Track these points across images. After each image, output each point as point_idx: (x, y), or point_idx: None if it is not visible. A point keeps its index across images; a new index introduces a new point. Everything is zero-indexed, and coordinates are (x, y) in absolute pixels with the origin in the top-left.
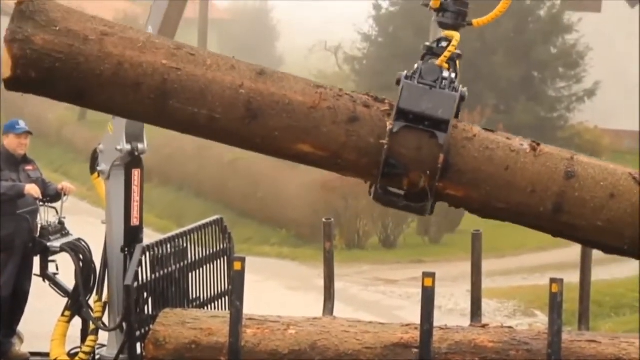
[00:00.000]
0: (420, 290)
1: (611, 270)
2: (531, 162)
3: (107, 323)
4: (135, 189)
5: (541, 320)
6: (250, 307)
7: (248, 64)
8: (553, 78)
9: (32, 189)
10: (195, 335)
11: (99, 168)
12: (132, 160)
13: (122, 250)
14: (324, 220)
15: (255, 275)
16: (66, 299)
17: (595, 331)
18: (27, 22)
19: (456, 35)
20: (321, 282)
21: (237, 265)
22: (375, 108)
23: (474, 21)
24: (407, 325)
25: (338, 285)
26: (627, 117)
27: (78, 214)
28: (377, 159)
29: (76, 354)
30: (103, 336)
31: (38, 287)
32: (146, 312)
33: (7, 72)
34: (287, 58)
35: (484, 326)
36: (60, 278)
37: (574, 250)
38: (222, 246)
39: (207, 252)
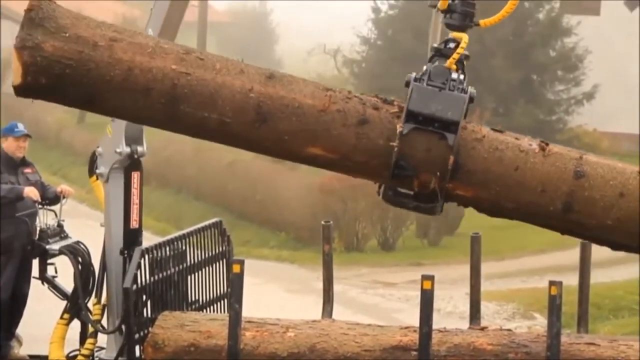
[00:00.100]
0: (419, 293)
1: (610, 273)
2: (540, 162)
3: (105, 326)
4: (135, 191)
5: (540, 322)
6: (249, 309)
7: (257, 67)
8: (552, 81)
9: (31, 192)
10: (194, 338)
11: (97, 171)
12: (132, 163)
13: (122, 252)
14: (322, 223)
15: (254, 277)
16: (65, 302)
17: (594, 334)
18: (36, 29)
19: (464, 37)
20: (320, 285)
21: (236, 268)
22: (384, 110)
23: (481, 21)
24: (406, 327)
25: (337, 287)
26: (626, 120)
27: (77, 217)
28: (387, 160)
29: (75, 356)
30: (102, 339)
31: (37, 290)
32: (145, 314)
33: (17, 79)
34: (286, 61)
35: (482, 329)
36: (59, 281)
37: (573, 253)
38: (221, 249)
39: (206, 255)
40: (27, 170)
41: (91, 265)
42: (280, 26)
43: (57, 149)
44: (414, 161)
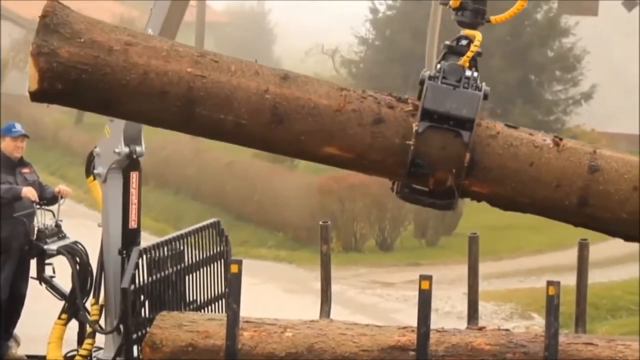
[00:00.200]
0: (417, 293)
1: (608, 273)
2: (555, 158)
3: (103, 326)
4: (133, 191)
5: (538, 322)
6: (247, 309)
7: (271, 68)
8: (550, 81)
9: (29, 192)
10: (192, 338)
11: (95, 171)
12: (130, 163)
13: (120, 252)
14: (320, 223)
15: (252, 278)
16: (63, 302)
17: (592, 334)
18: (51, 35)
19: (478, 35)
20: (318, 285)
21: (234, 268)
22: (399, 109)
23: (492, 18)
24: (404, 327)
25: (335, 288)
26: (624, 120)
27: (75, 217)
28: (403, 158)
29: (73, 356)
30: (100, 339)
31: (35, 290)
32: (143, 314)
33: (33, 85)
34: (284, 61)
35: (480, 329)
36: (56, 281)
37: (571, 253)
38: (219, 249)
39: (204, 255)
40: (25, 170)
41: (89, 265)
42: (278, 26)
43: (55, 149)
44: (430, 159)
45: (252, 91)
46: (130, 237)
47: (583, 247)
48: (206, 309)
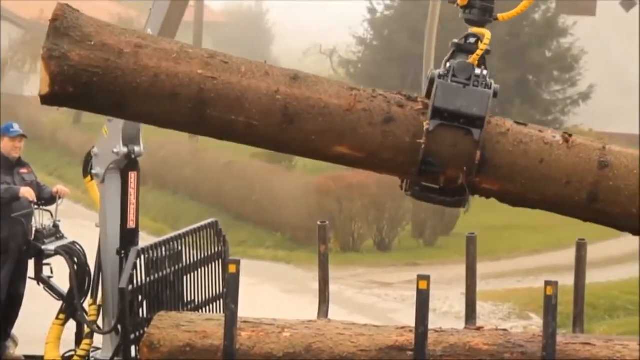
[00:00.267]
0: (415, 293)
1: (606, 273)
2: (565, 154)
3: (101, 326)
4: (132, 191)
5: (536, 322)
6: (245, 309)
7: (281, 68)
8: (548, 81)
9: (27, 192)
10: (190, 338)
11: (93, 171)
12: (129, 163)
13: (118, 253)
14: (318, 223)
15: (250, 278)
16: (61, 302)
17: (589, 334)
18: (62, 39)
19: (487, 33)
20: (316, 285)
21: (232, 268)
22: (409, 107)
23: (499, 16)
24: (402, 327)
25: (333, 288)
26: (622, 120)
27: (73, 217)
28: (414, 157)
29: (71, 357)
30: (98, 339)
31: (32, 290)
32: (141, 315)
33: (44, 89)
34: (282, 61)
35: (478, 329)
36: (54, 281)
37: (569, 253)
38: (217, 249)
39: (202, 255)
40: (23, 170)
41: (87, 265)
42: (276, 26)
43: (53, 149)
44: (441, 157)
45: (262, 92)
46: (128, 237)
47: (581, 247)
48: (204, 309)
